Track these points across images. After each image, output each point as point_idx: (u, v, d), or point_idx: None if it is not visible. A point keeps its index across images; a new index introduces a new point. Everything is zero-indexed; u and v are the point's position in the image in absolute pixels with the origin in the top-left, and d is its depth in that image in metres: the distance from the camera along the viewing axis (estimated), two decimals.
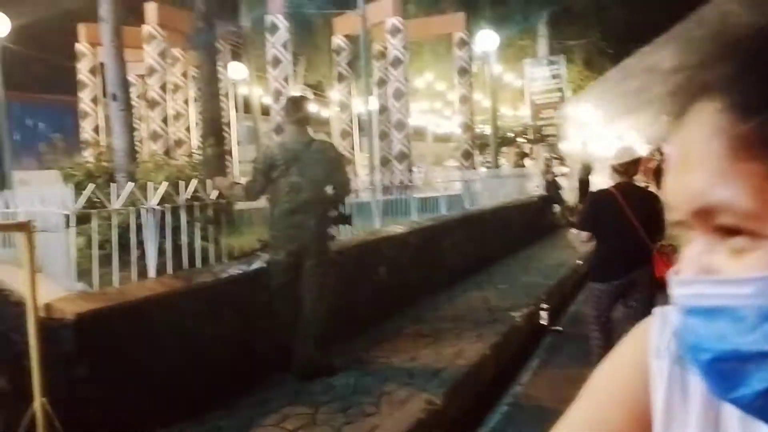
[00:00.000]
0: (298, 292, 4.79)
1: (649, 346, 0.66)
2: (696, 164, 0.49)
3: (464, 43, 15.33)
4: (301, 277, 4.78)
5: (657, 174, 26.14)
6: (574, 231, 4.80)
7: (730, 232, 0.49)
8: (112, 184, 4.91)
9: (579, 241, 4.70)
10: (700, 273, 0.51)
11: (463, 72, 15.32)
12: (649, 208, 4.36)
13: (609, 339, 4.54)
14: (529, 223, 13.30)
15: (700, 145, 0.49)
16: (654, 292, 4.40)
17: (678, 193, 0.51)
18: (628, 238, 4.41)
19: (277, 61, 13.29)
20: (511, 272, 9.32)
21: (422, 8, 16.70)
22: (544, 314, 6.99)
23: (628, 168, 4.61)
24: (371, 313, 6.21)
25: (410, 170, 13.06)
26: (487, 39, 15.97)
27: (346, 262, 5.75)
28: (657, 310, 0.68)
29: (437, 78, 20.66)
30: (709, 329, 0.49)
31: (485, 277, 8.87)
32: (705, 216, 0.49)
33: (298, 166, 4.80)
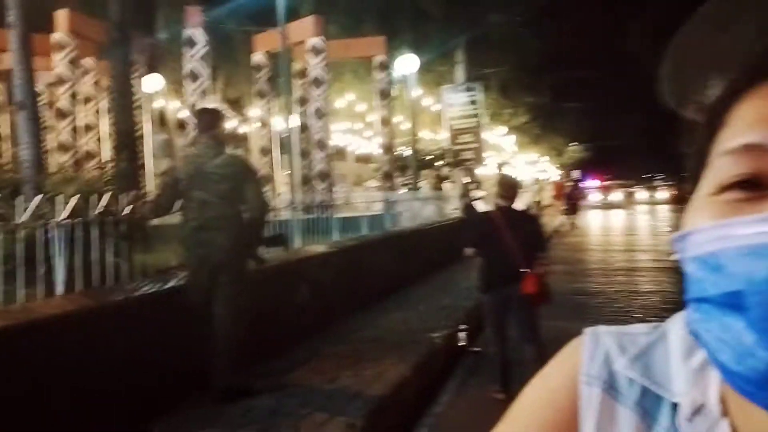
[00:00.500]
0: (213, 311, 4.63)
1: (579, 371, 0.64)
2: None
3: (384, 66, 15.53)
4: (216, 296, 4.63)
5: (570, 198, 27.22)
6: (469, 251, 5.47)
7: None
8: (18, 196, 4.62)
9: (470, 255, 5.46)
10: None
11: (384, 94, 15.49)
12: (528, 229, 5.16)
13: (505, 353, 5.17)
14: (448, 244, 13.47)
15: None
16: (531, 308, 5.07)
17: None
18: (504, 255, 5.00)
19: (195, 76, 13.03)
20: (430, 293, 9.38)
21: (344, 30, 16.80)
22: (462, 335, 7.05)
23: (508, 193, 5.21)
24: (292, 334, 6.09)
25: (331, 190, 13.02)
26: (406, 63, 16.22)
27: (265, 281, 5.62)
28: (588, 330, 0.66)
29: (358, 99, 20.79)
30: None
31: (405, 298, 8.89)
32: None
33: (204, 181, 4.63)
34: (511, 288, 4.99)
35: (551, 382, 0.66)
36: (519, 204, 5.46)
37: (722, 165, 0.52)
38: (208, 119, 4.85)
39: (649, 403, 0.60)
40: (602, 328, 0.67)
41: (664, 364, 0.61)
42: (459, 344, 6.91)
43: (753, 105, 0.52)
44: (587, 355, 0.64)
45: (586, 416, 0.61)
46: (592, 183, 52.21)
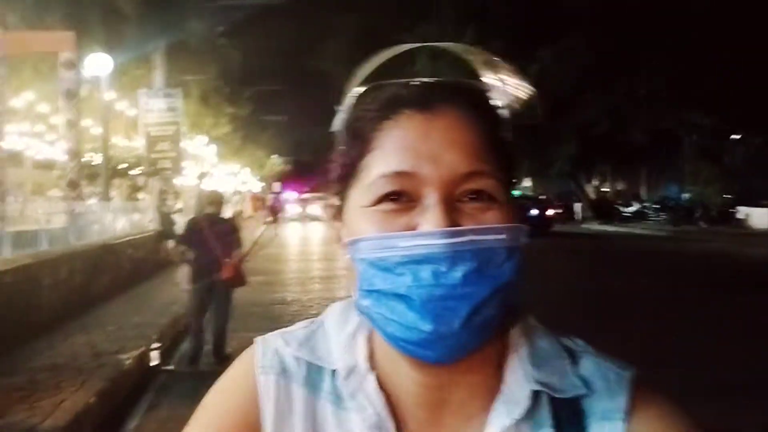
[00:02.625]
0: None
1: (256, 366, 0.76)
2: (458, 146, 0.66)
3: (72, 65, 14.24)
4: None
5: (271, 209, 27.79)
6: (171, 243, 7.03)
7: (473, 197, 0.66)
8: None
9: (179, 253, 6.82)
10: (452, 224, 0.64)
11: (71, 95, 14.19)
12: (227, 231, 6.62)
13: (200, 337, 6.51)
14: (143, 259, 12.83)
15: (461, 135, 0.67)
16: (229, 290, 6.60)
17: (438, 168, 0.65)
18: (209, 251, 6.39)
19: None
20: (122, 312, 8.84)
21: (25, 21, 15.04)
22: (155, 354, 6.77)
23: (214, 203, 6.72)
24: None
25: (3, 200, 11.51)
26: (98, 63, 15.10)
27: None
28: (258, 339, 0.80)
29: (40, 99, 18.70)
30: (478, 268, 0.63)
31: (93, 319, 8.26)
32: (459, 183, 0.65)
33: None
34: (214, 275, 6.39)
35: (233, 379, 0.78)
36: (224, 213, 6.97)
37: (377, 184, 0.66)
38: None
39: (314, 376, 0.75)
40: (268, 334, 0.81)
41: (324, 343, 0.77)
42: (151, 364, 6.62)
43: (394, 135, 0.68)
44: (260, 352, 0.78)
45: (265, 401, 0.74)
46: (291, 195, 53.84)
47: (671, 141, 28.80)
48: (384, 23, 27.09)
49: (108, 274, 10.31)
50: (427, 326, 0.62)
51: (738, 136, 26.19)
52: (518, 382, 0.69)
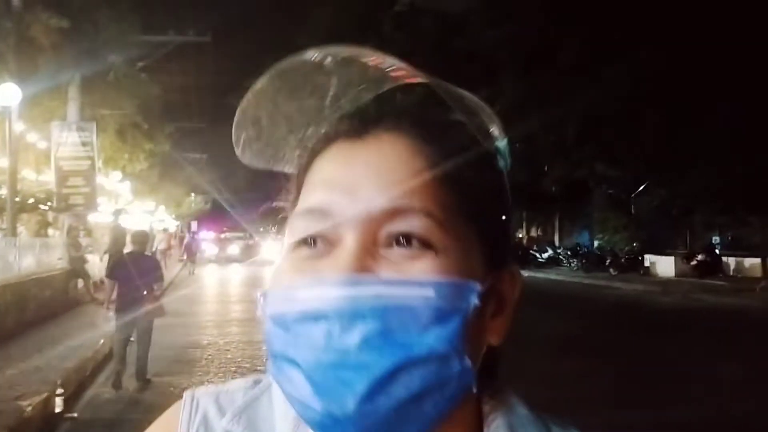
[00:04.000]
0: None
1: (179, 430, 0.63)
2: (381, 178, 0.53)
3: None
4: None
5: (188, 249, 27.26)
6: (80, 283, 8.27)
7: (399, 241, 0.53)
8: None
9: (109, 289, 7.44)
10: (359, 273, 0.52)
11: None
12: (149, 267, 7.40)
13: (122, 372, 7.08)
14: (50, 298, 12.18)
15: (391, 165, 0.54)
16: (150, 321, 7.29)
17: (354, 204, 0.53)
18: (133, 285, 7.03)
19: None
20: (25, 354, 8.30)
21: None
22: (59, 400, 6.38)
23: (139, 241, 7.57)
24: None
25: None
26: (8, 93, 14.48)
27: None
28: (186, 394, 0.66)
29: None
30: (386, 330, 0.50)
31: None
32: (381, 222, 0.52)
33: None
34: (137, 307, 7.00)
35: None
36: (145, 250, 7.79)
37: (295, 225, 0.56)
38: None
39: None
40: (201, 390, 0.66)
41: (269, 416, 0.61)
42: (54, 411, 6.22)
43: (318, 168, 0.58)
44: (185, 419, 0.63)
45: None
46: (209, 235, 52.66)
47: (582, 190, 30.04)
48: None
49: (11, 315, 9.72)
50: (316, 403, 0.50)
51: (643, 187, 27.60)
52: None
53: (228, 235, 51.12)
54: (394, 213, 0.52)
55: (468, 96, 0.59)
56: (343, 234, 0.53)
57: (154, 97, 23.16)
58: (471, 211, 0.56)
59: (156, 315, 7.35)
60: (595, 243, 32.09)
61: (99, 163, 18.86)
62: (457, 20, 22.58)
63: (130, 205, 28.48)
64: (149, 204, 34.46)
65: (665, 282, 22.60)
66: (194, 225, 51.23)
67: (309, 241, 0.55)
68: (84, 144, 17.38)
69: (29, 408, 5.82)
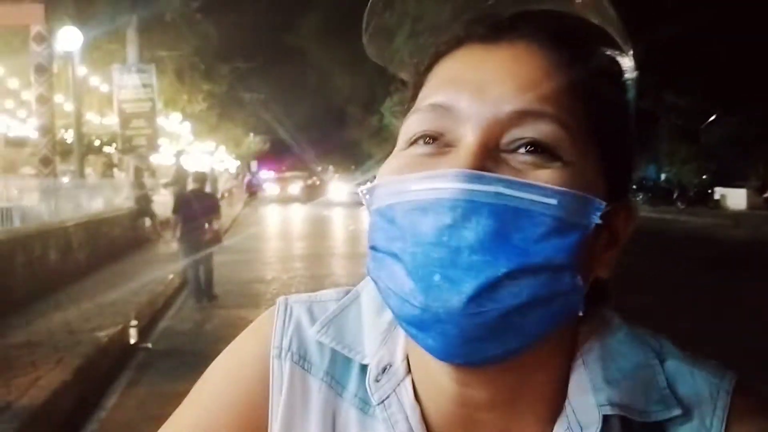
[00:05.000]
0: None
1: (271, 345, 0.62)
2: (515, 79, 0.51)
3: (43, 39, 13.84)
4: None
5: (249, 187, 27.71)
6: (148, 221, 9.52)
7: (525, 147, 0.50)
8: None
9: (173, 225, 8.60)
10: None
11: (42, 70, 13.81)
12: (209, 203, 8.48)
13: (199, 287, 8.43)
14: (119, 237, 12.62)
15: (524, 69, 0.52)
16: (211, 251, 8.41)
17: (481, 103, 0.51)
18: (194, 218, 8.06)
19: None
20: (98, 289, 8.66)
21: None
22: (133, 332, 6.64)
23: (200, 179, 8.61)
24: None
25: None
26: (70, 37, 14.70)
27: None
28: (280, 300, 0.65)
29: (10, 74, 18.22)
30: (503, 231, 0.47)
31: (68, 297, 8.11)
32: (507, 125, 0.50)
33: None
34: (199, 238, 8.20)
35: (240, 357, 0.63)
36: (204, 188, 8.75)
37: (411, 122, 0.54)
38: None
39: (338, 370, 0.60)
40: (294, 298, 0.65)
41: (357, 326, 0.61)
42: (129, 342, 6.48)
43: (444, 66, 0.55)
44: (279, 327, 0.62)
45: (276, 390, 0.60)
46: (269, 174, 53.41)
47: (648, 121, 28.99)
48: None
49: (83, 252, 10.10)
50: (417, 298, 0.47)
51: (714, 117, 26.42)
52: (585, 402, 0.54)
53: (288, 174, 51.49)
54: (523, 116, 0.50)
55: (612, 15, 0.57)
56: (465, 134, 0.51)
57: (210, 38, 23.23)
58: (601, 130, 0.53)
59: (215, 242, 8.56)
60: (662, 176, 31.12)
61: (159, 105, 19.15)
62: None
63: (191, 146, 29.01)
64: (209, 145, 35.06)
65: (736, 215, 21.83)
66: (254, 165, 52.02)
67: (427, 139, 0.53)
68: (144, 86, 17.62)
69: (105, 339, 6.07)
